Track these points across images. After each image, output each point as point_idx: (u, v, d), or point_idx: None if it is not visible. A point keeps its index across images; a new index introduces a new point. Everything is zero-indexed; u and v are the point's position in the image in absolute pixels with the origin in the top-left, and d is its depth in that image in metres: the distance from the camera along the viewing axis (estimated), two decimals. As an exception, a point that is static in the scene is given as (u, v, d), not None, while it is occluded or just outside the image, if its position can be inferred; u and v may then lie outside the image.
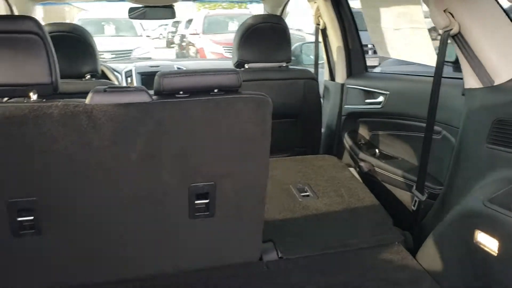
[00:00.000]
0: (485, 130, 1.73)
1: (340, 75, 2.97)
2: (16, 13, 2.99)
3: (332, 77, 3.07)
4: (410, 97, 2.40)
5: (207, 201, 1.72)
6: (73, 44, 2.40)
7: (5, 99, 1.50)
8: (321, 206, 2.23)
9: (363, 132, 2.87)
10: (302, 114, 2.78)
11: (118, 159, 1.57)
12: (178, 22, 16.28)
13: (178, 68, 3.85)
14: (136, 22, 12.10)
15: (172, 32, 18.20)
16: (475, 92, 1.79)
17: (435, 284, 1.76)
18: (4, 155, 1.48)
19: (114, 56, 9.65)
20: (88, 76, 2.46)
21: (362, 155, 2.69)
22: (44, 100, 1.50)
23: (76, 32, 2.45)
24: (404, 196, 2.33)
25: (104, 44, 10.33)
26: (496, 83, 1.72)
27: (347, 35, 2.90)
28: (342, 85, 2.95)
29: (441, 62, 1.86)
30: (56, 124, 1.47)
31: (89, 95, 1.50)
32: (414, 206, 2.07)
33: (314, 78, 2.76)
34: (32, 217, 1.57)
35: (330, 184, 2.41)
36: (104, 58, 9.54)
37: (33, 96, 1.49)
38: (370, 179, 2.60)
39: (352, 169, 2.72)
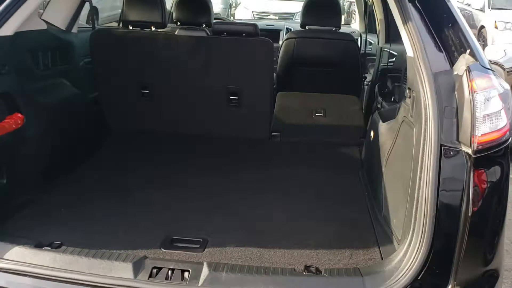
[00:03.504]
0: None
1: (381, 40, 3.97)
2: None
3: (378, 41, 4.09)
4: (399, 56, 3.37)
5: (237, 97, 3.10)
6: (196, 3, 3.83)
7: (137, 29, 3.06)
8: (323, 120, 3.44)
9: (389, 84, 3.87)
10: (342, 66, 3.88)
11: (189, 65, 3.03)
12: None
13: (287, 28, 5.16)
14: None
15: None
16: None
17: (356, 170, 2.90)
18: (139, 57, 3.05)
19: (277, 17, 11.22)
20: (203, 25, 3.93)
21: (379, 99, 3.73)
22: (157, 30, 3.03)
23: None
24: None
25: (272, 6, 12.02)
26: None
27: (387, 9, 3.86)
28: (381, 48, 3.96)
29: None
30: (160, 43, 2.99)
31: (177, 30, 2.99)
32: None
33: (353, 40, 3.84)
34: (148, 91, 3.14)
35: (340, 111, 3.56)
36: (269, 17, 11.21)
37: (152, 28, 3.02)
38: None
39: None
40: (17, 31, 2.21)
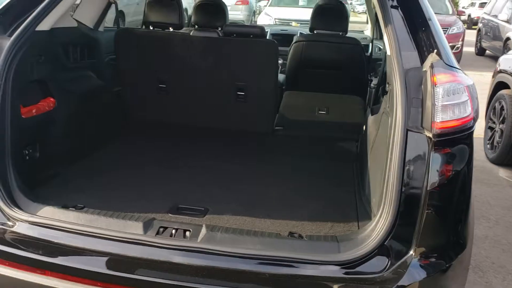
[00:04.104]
0: None
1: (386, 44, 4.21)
2: None
3: (384, 46, 4.33)
4: None
5: (243, 93, 3.40)
6: (212, 9, 4.14)
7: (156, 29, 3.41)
8: (325, 116, 3.71)
9: None
10: (349, 69, 4.13)
11: (202, 62, 3.35)
12: None
13: (301, 33, 5.45)
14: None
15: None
16: None
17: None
18: (158, 54, 3.38)
19: (299, 24, 11.53)
20: (219, 29, 4.24)
21: (381, 100, 3.96)
22: (175, 31, 3.36)
23: (214, 0, 4.20)
24: None
25: (293, 13, 12.35)
26: None
27: None
28: (385, 52, 4.20)
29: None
30: (177, 42, 3.32)
31: (192, 31, 3.31)
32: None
33: (358, 44, 4.10)
34: (165, 85, 3.47)
35: (342, 109, 3.82)
36: (291, 24, 11.53)
37: (171, 29, 3.35)
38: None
39: None
40: (53, 27, 2.55)
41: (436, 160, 1.89)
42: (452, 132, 1.91)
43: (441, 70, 1.93)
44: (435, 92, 1.88)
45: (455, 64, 2.07)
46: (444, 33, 10.88)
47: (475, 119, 2.00)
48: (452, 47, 11.99)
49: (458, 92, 1.94)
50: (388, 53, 2.18)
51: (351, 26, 4.39)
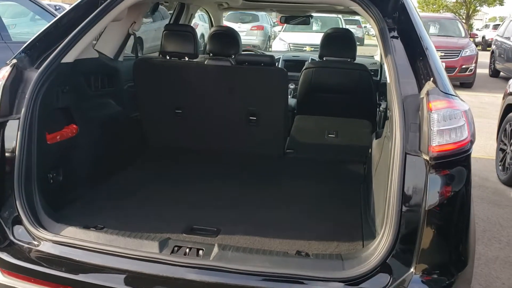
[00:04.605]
0: None
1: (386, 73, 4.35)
2: (212, 19, 5.24)
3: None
4: None
5: (255, 118, 3.55)
6: (225, 37, 4.33)
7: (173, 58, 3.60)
8: (335, 141, 3.84)
9: None
10: (357, 94, 4.27)
11: (216, 89, 3.52)
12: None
13: (312, 59, 5.62)
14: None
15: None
16: None
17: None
18: (174, 82, 3.57)
19: (313, 49, 11.77)
20: (232, 56, 4.43)
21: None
22: (190, 60, 3.54)
23: (227, 30, 4.41)
24: None
25: (307, 38, 12.60)
26: None
27: None
28: None
29: None
30: (192, 71, 3.50)
31: (206, 60, 3.49)
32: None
33: (366, 70, 4.24)
34: (180, 111, 3.64)
35: (351, 132, 3.95)
36: (304, 49, 11.78)
37: (186, 58, 3.54)
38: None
39: None
40: (76, 59, 2.74)
41: (434, 181, 2.00)
42: (449, 155, 2.02)
43: (436, 97, 2.05)
44: (430, 117, 2.00)
45: (451, 91, 2.19)
46: (457, 56, 11.15)
47: (472, 142, 2.11)
48: (466, 69, 12.11)
49: (454, 117, 2.06)
50: (388, 81, 2.32)
51: (365, 49, 4.56)
